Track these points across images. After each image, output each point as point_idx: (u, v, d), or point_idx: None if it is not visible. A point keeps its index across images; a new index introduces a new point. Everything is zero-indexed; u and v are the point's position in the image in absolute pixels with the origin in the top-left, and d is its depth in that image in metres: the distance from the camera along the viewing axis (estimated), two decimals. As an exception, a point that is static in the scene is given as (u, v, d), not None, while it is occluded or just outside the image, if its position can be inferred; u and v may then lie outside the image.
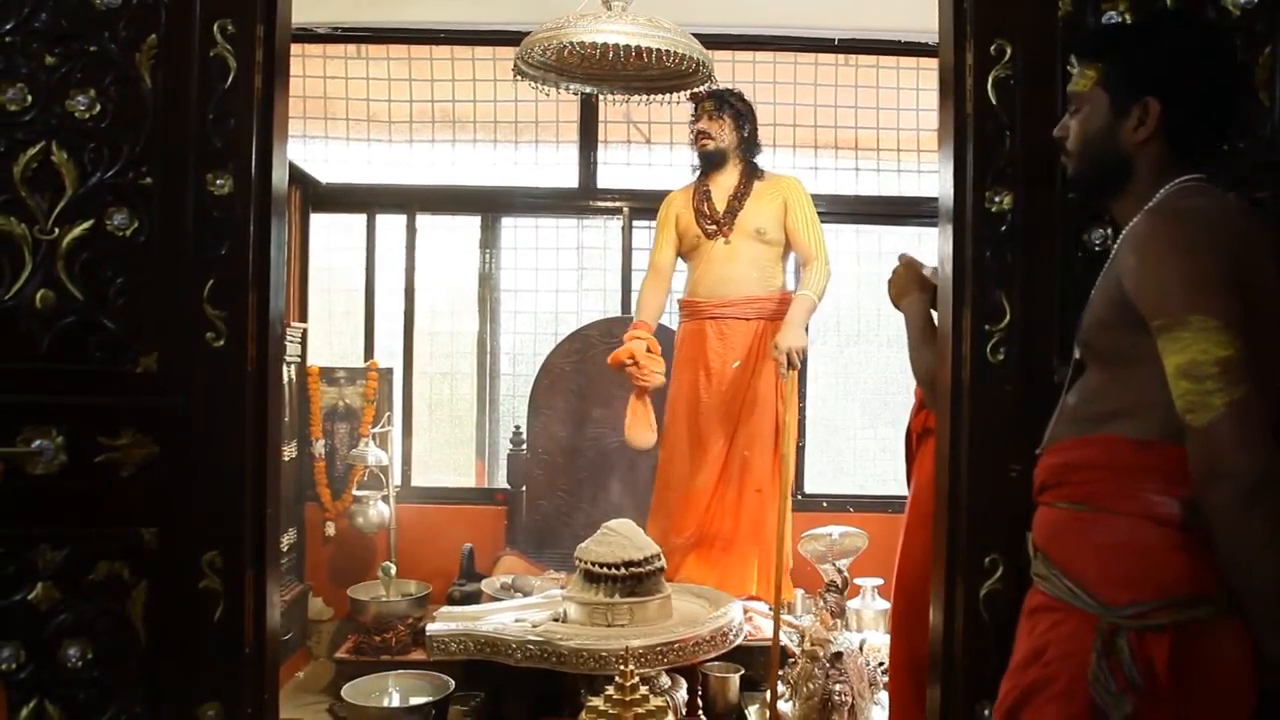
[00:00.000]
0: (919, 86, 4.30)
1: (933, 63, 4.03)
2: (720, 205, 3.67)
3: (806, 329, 3.58)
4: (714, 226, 3.66)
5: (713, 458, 3.65)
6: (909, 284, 2.11)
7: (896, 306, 2.14)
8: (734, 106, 3.66)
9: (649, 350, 3.58)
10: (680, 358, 3.74)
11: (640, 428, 3.59)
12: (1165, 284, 1.26)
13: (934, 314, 2.07)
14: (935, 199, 1.91)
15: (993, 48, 1.71)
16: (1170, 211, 1.33)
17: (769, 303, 3.64)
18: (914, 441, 2.21)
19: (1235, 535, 1.19)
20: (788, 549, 3.46)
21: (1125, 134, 1.40)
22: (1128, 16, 1.69)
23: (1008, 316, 1.71)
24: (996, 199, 1.72)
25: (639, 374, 3.55)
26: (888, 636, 2.60)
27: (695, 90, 3.59)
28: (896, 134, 4.38)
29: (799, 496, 4.28)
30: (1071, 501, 1.38)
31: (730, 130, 3.66)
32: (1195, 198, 1.34)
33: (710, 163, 3.70)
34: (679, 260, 3.84)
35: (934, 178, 4.04)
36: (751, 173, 3.70)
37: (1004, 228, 1.72)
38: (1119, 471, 1.33)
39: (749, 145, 3.70)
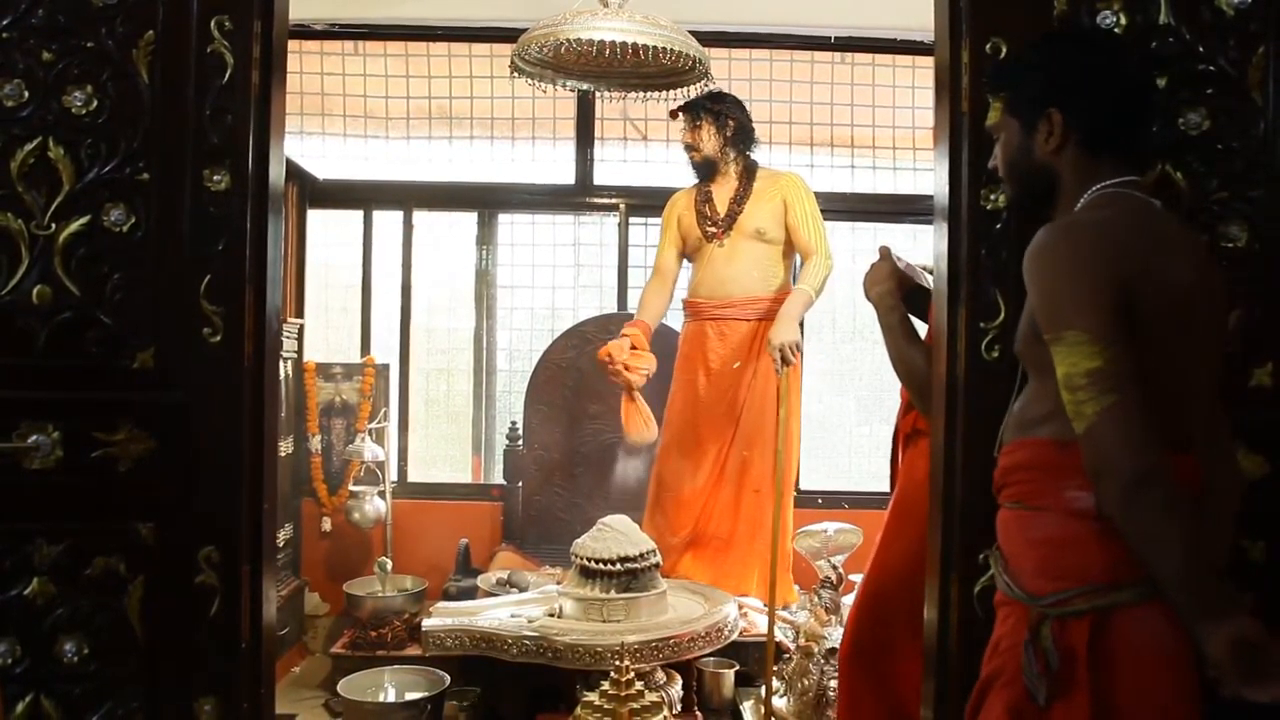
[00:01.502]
0: (915, 85, 4.31)
1: (928, 61, 4.03)
2: (721, 208, 3.67)
3: (802, 324, 3.57)
4: (714, 229, 3.66)
5: (711, 458, 3.66)
6: (881, 276, 2.12)
7: (867, 297, 2.15)
8: (710, 110, 3.62)
9: (634, 347, 3.57)
10: (682, 357, 3.75)
11: (637, 424, 3.58)
12: (1047, 299, 1.36)
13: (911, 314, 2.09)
14: (931, 197, 1.91)
15: (988, 46, 1.72)
16: (1058, 228, 1.41)
17: (771, 303, 3.63)
18: (901, 442, 2.21)
19: (1131, 529, 1.26)
20: (787, 546, 3.47)
21: (1039, 148, 1.48)
22: (1122, 17, 1.70)
23: (1002, 314, 1.72)
24: (992, 197, 1.73)
25: (617, 374, 3.54)
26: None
27: (673, 109, 3.62)
28: (892, 132, 4.39)
29: (794, 493, 4.29)
30: (1013, 501, 1.48)
31: (712, 135, 3.63)
32: (1097, 209, 1.41)
33: (703, 172, 3.70)
34: (684, 260, 3.84)
35: (929, 175, 4.05)
36: (750, 172, 3.69)
37: (999, 226, 1.73)
38: (1045, 471, 1.42)
39: (738, 142, 3.67)
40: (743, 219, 3.64)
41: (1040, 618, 1.36)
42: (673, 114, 3.68)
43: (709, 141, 3.64)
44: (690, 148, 3.67)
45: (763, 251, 3.66)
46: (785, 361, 3.38)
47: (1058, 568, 1.37)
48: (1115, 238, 1.35)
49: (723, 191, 3.69)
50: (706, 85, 3.48)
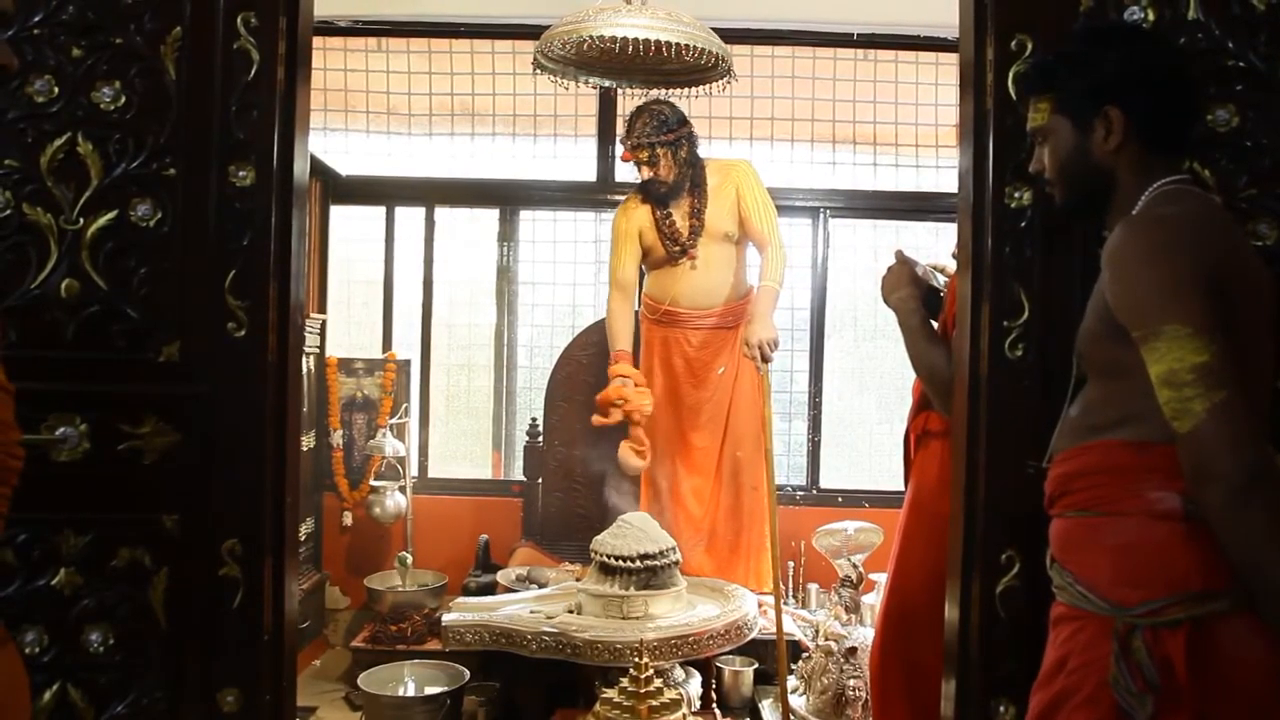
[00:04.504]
0: (938, 81, 4.29)
1: (952, 58, 4.03)
2: (683, 226, 3.61)
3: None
4: (679, 248, 3.61)
5: (705, 462, 3.66)
6: (900, 280, 2.11)
7: (887, 302, 2.14)
8: (664, 142, 3.50)
9: (635, 385, 3.52)
10: (656, 363, 3.71)
11: (637, 454, 3.54)
12: (1138, 295, 1.29)
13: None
14: (954, 194, 1.90)
15: (1013, 43, 1.71)
16: (1141, 221, 1.35)
17: (748, 303, 3.63)
18: (912, 444, 2.21)
19: (1234, 535, 1.20)
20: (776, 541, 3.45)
21: (1096, 147, 1.43)
22: (1150, 12, 1.68)
23: (1026, 312, 1.71)
24: (1016, 194, 1.71)
25: (628, 414, 3.48)
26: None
27: (624, 154, 3.55)
28: (915, 129, 4.36)
29: (814, 491, 4.28)
30: (1078, 509, 1.40)
31: (671, 163, 3.54)
32: (1171, 204, 1.36)
33: (668, 198, 3.61)
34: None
35: (952, 173, 4.02)
36: (702, 177, 3.61)
37: (1023, 223, 1.72)
38: (1119, 474, 1.35)
39: (691, 156, 3.59)
40: (707, 229, 3.60)
41: (1129, 629, 1.28)
42: (626, 158, 3.58)
43: (670, 169, 3.54)
44: (654, 182, 3.57)
45: (731, 253, 3.65)
46: (764, 359, 3.37)
47: (1142, 574, 1.30)
48: (1201, 231, 1.31)
49: (680, 208, 3.63)
50: (729, 82, 3.46)
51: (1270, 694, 1.26)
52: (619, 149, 4.29)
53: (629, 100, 4.17)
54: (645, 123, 3.51)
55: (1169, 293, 1.25)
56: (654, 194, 3.61)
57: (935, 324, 2.09)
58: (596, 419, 3.53)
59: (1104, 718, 1.29)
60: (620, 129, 4.29)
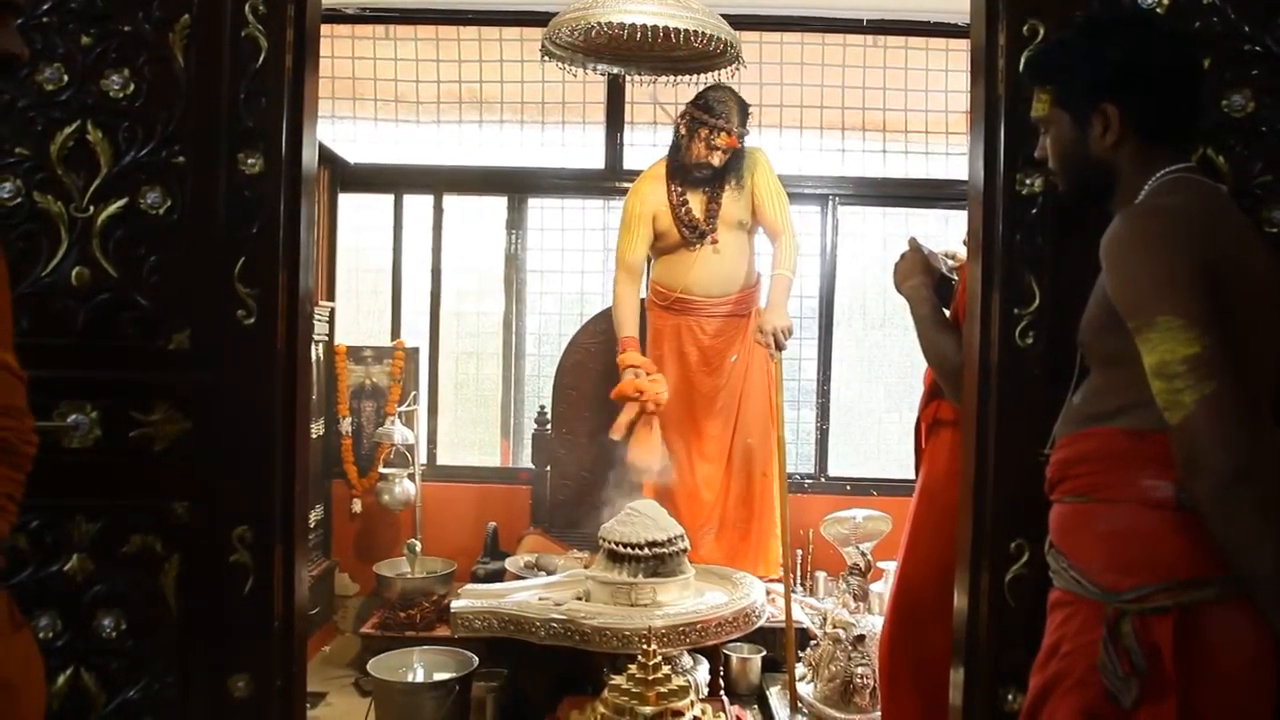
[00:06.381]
0: (948, 68, 4.25)
1: (962, 44, 4.00)
2: (699, 212, 3.59)
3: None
4: (696, 235, 3.59)
5: (717, 450, 3.66)
6: (913, 268, 2.10)
7: (899, 290, 2.13)
8: (745, 123, 3.53)
9: (647, 373, 3.51)
10: (667, 351, 3.70)
11: (648, 449, 3.51)
12: (1134, 286, 1.29)
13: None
14: (963, 181, 1.89)
15: (1025, 28, 1.69)
16: (1138, 212, 1.35)
17: (758, 291, 3.64)
18: (923, 433, 2.20)
19: (1224, 527, 1.21)
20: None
21: (1095, 143, 1.43)
22: (1164, -2, 1.67)
23: (1037, 300, 1.70)
24: (1027, 181, 1.70)
25: (645, 404, 3.45)
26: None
27: (730, 138, 3.48)
28: (925, 116, 4.34)
29: (822, 479, 4.28)
30: (1075, 495, 1.41)
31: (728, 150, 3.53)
32: (1170, 194, 1.36)
33: (706, 182, 3.58)
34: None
35: (962, 160, 4.00)
36: (725, 168, 3.59)
37: (1034, 210, 1.71)
38: (1115, 461, 1.36)
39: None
40: (722, 215, 3.58)
41: (1118, 615, 1.29)
42: (733, 144, 3.50)
43: (723, 157, 3.54)
44: (704, 165, 3.53)
45: (744, 241, 3.64)
46: (779, 346, 3.36)
47: (1133, 561, 1.31)
48: (1199, 222, 1.31)
49: (697, 194, 3.60)
50: (737, 69, 3.44)
51: (1255, 682, 1.27)
52: (628, 135, 4.30)
53: (637, 88, 4.15)
54: (737, 110, 3.50)
55: (1163, 284, 1.26)
56: (695, 177, 3.57)
57: (947, 312, 2.09)
58: (618, 428, 3.46)
59: (1094, 701, 1.30)
60: (629, 116, 4.28)
